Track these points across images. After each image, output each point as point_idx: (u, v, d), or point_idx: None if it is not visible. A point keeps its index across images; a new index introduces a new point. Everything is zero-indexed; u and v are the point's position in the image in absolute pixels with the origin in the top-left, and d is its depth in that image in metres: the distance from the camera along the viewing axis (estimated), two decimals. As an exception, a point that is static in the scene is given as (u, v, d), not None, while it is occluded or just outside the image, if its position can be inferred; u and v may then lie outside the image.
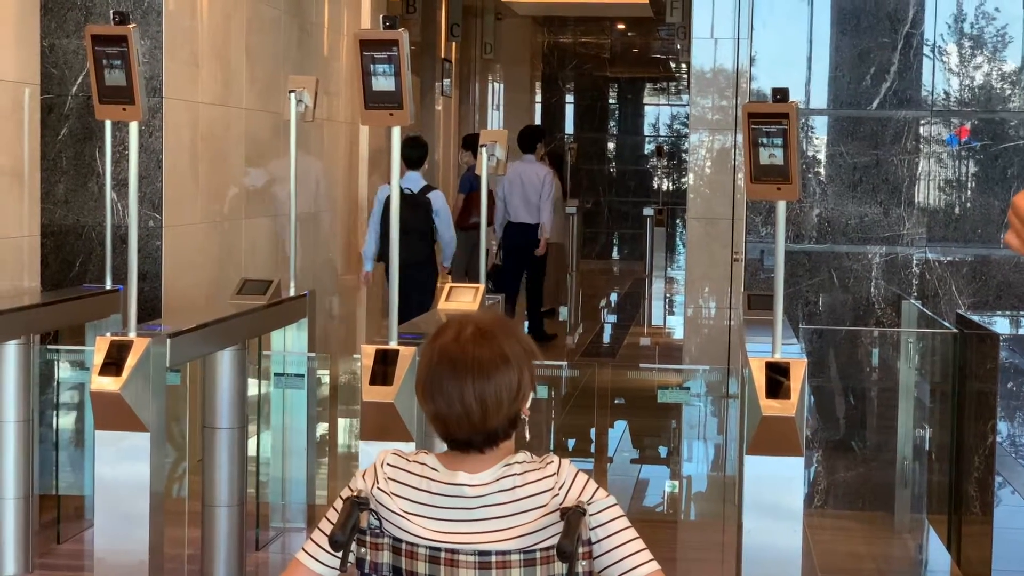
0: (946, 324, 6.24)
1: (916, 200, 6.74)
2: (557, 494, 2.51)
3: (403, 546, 2.53)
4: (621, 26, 22.50)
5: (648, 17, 19.47)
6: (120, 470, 4.62)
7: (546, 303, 13.01)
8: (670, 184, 22.07)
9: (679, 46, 19.94)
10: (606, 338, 14.02)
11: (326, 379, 6.53)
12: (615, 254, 22.03)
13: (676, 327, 13.92)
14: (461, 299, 5.60)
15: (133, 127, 4.81)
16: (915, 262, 6.72)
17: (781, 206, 4.44)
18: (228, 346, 5.29)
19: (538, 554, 2.49)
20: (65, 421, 6.17)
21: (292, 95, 6.06)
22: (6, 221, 6.00)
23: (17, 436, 5.44)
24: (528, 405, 2.59)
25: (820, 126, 6.90)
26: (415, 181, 8.94)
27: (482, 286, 5.74)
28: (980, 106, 6.77)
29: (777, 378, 4.35)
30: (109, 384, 4.53)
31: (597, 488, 2.55)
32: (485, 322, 2.57)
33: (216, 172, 7.43)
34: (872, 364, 6.83)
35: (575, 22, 22.26)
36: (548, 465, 2.55)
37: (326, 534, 2.57)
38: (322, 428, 6.46)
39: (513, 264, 12.30)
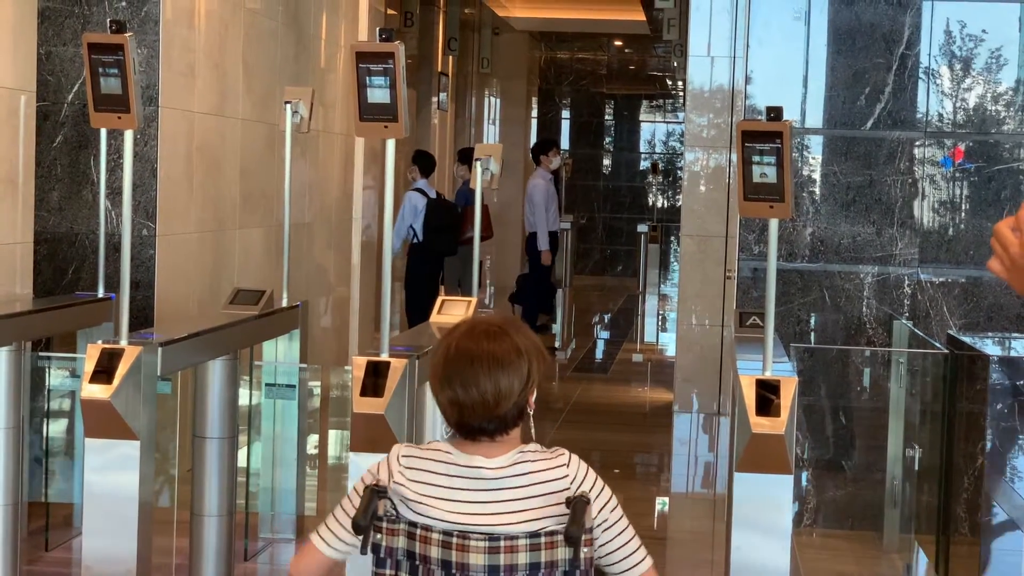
0: (937, 345, 6.26)
1: (909, 221, 6.76)
2: (568, 487, 2.69)
3: (417, 531, 2.68)
4: (618, 43, 22.55)
5: (645, 35, 19.52)
6: (109, 478, 4.61)
7: None
8: (664, 201, 22.10)
9: (675, 64, 19.98)
10: (599, 354, 14.02)
11: (318, 390, 6.53)
12: (609, 270, 22.04)
13: (669, 344, 13.94)
14: (453, 312, 5.60)
15: (128, 135, 4.81)
16: (907, 282, 6.74)
17: (773, 224, 4.45)
18: (220, 356, 5.29)
19: (543, 539, 2.65)
20: (55, 428, 6.16)
21: (288, 106, 6.06)
22: (0, 227, 6.00)
23: (7, 443, 5.43)
24: (533, 399, 2.75)
25: (815, 145, 6.92)
26: (430, 188, 11.10)
27: (474, 299, 5.74)
28: (974, 128, 6.79)
29: (767, 396, 4.35)
30: (100, 392, 4.52)
31: (604, 486, 2.74)
32: (497, 319, 2.78)
33: (211, 182, 7.43)
34: (863, 384, 6.84)
35: (572, 38, 22.30)
36: (559, 456, 2.73)
37: (340, 522, 2.76)
38: (313, 440, 6.45)
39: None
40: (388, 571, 2.71)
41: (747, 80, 7.10)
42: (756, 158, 4.24)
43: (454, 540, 2.64)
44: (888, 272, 6.74)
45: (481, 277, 10.82)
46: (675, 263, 19.29)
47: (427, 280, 11.07)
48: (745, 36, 7.19)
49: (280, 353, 6.15)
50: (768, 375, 4.41)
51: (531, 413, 2.76)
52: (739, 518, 4.47)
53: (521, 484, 2.68)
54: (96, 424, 4.58)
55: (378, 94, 4.43)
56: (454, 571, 2.65)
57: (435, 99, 15.76)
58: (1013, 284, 1.96)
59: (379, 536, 2.69)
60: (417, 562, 2.68)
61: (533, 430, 2.80)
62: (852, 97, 6.77)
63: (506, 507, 2.66)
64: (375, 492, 2.69)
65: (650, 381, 11.94)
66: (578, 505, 2.64)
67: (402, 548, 2.69)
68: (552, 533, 2.64)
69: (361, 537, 2.69)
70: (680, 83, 20.75)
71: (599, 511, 2.70)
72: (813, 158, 6.90)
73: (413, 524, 2.68)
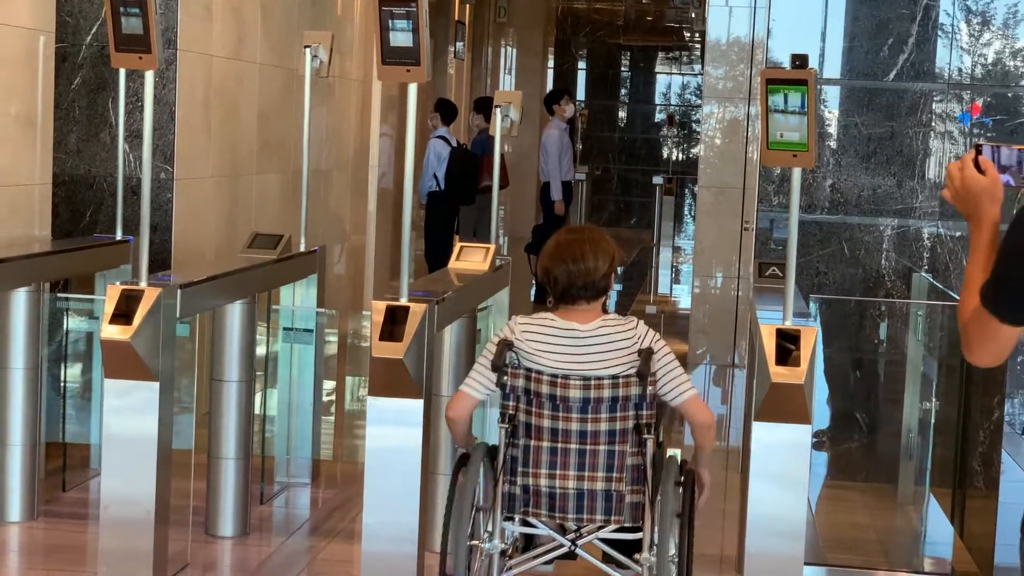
0: (956, 297, 6.23)
1: (929, 173, 6.72)
2: (636, 342, 3.82)
3: (532, 374, 3.79)
4: (636, -7, 22.40)
5: (663, -15, 19.36)
6: (128, 419, 4.61)
7: None
8: (680, 153, 22.01)
9: (693, 15, 19.86)
10: (612, 305, 14.01)
11: (333, 337, 6.53)
12: (623, 222, 21.99)
13: (682, 296, 13.91)
14: (472, 259, 5.59)
15: (148, 76, 4.79)
16: (926, 235, 6.71)
17: (796, 173, 4.43)
18: (238, 299, 5.28)
19: (620, 379, 3.77)
20: (73, 370, 6.18)
21: (307, 50, 6.02)
22: (18, 169, 5.99)
23: (25, 383, 5.45)
24: (613, 281, 3.92)
25: (832, 98, 6.88)
26: (451, 136, 11.09)
27: (492, 246, 5.72)
28: (995, 81, 6.74)
29: (787, 346, 4.34)
30: (119, 333, 4.52)
31: (664, 343, 3.86)
32: (588, 227, 4.03)
33: (228, 126, 7.41)
34: (880, 336, 6.82)
35: (589, -12, 22.16)
36: (629, 322, 3.87)
37: (482, 373, 3.86)
38: (329, 385, 6.46)
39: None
40: (511, 403, 3.80)
41: (768, 32, 7.05)
42: (779, 106, 4.22)
43: (558, 380, 3.76)
44: (908, 225, 6.71)
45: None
46: (689, 216, 19.25)
47: (446, 228, 11.06)
48: (766, -14, 7.13)
49: (297, 298, 6.14)
50: (788, 325, 4.39)
51: (610, 295, 3.85)
52: (757, 467, 4.46)
53: (604, 341, 3.82)
54: (115, 365, 4.58)
55: (400, 37, 4.41)
56: (558, 402, 3.77)
57: (452, 48, 15.68)
58: (960, 208, 2.70)
59: (505, 378, 3.79)
60: (531, 396, 3.78)
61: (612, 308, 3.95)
62: (875, 48, 6.72)
63: (593, 357, 3.80)
64: (505, 344, 3.81)
65: (663, 332, 11.92)
66: (645, 354, 3.77)
67: (521, 386, 3.80)
68: (627, 376, 3.75)
69: (495, 383, 3.81)
70: (697, 35, 20.63)
71: (660, 359, 3.79)
72: (829, 112, 6.86)
73: (529, 369, 3.79)
